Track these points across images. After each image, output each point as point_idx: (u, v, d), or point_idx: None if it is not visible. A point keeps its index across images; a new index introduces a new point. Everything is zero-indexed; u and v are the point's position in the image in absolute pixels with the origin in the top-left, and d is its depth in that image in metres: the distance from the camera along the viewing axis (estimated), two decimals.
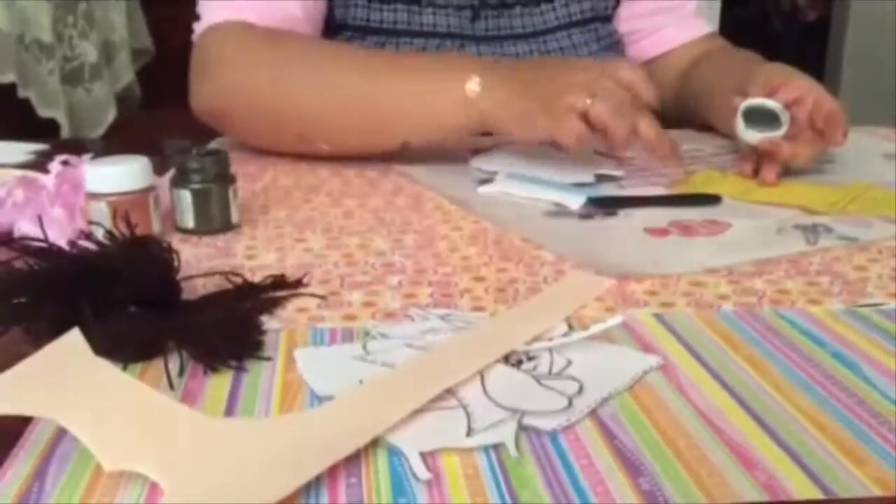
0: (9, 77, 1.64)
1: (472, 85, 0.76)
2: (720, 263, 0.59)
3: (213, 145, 0.87)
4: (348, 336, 0.48)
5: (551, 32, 1.00)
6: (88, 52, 1.78)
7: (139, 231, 0.53)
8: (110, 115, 1.83)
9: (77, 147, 0.74)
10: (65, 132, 1.71)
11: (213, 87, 0.86)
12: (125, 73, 1.91)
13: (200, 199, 0.65)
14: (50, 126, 1.69)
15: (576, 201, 0.72)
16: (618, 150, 0.76)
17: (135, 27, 1.96)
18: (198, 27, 0.90)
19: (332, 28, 0.95)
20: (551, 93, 0.73)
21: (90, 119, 1.80)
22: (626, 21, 1.07)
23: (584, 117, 0.72)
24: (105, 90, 1.82)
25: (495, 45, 0.97)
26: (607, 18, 1.05)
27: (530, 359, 0.45)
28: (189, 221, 0.65)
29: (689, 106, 1.02)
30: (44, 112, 1.69)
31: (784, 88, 0.79)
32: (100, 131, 1.81)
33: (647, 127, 0.73)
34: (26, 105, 1.68)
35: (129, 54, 1.91)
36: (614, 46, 1.05)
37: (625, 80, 0.74)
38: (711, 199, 0.74)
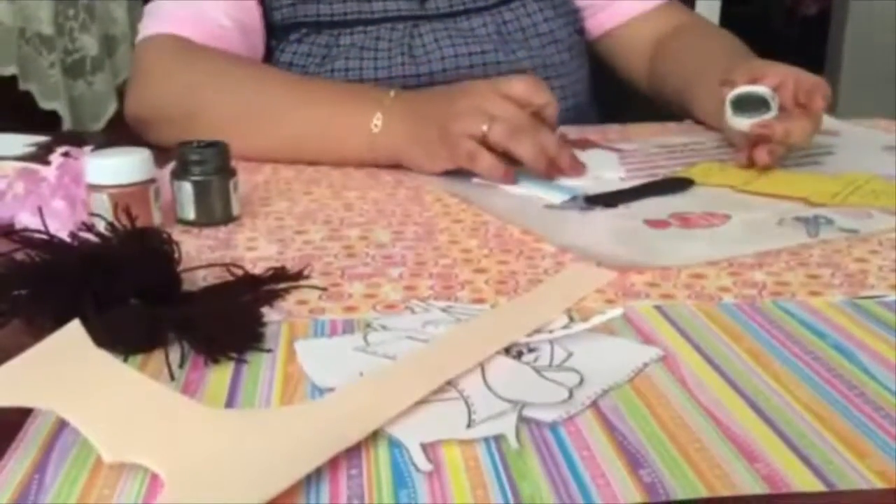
0: (10, 70, 1.64)
1: (376, 121, 0.78)
2: (720, 255, 0.59)
3: None
4: (349, 328, 0.48)
5: (506, 3, 0.99)
6: (89, 45, 1.78)
7: (140, 223, 0.53)
8: (111, 108, 1.83)
9: (78, 139, 0.74)
10: (66, 125, 1.71)
11: (133, 98, 0.91)
12: (126, 67, 1.91)
13: (201, 191, 0.65)
14: (51, 119, 1.69)
15: (558, 197, 0.71)
16: (533, 169, 0.74)
17: (136, 20, 1.95)
18: (138, 37, 0.94)
19: (284, 28, 0.96)
20: (446, 121, 0.74)
21: (91, 112, 1.80)
22: None
23: (484, 142, 0.72)
24: (106, 83, 1.82)
25: (448, 22, 0.96)
26: None
27: (531, 350, 0.45)
28: (190, 213, 0.65)
29: (667, 96, 1.02)
30: (45, 105, 1.70)
31: (767, 77, 0.79)
32: (101, 124, 1.81)
33: (548, 142, 0.74)
34: (28, 98, 1.68)
35: (130, 47, 1.91)
36: (572, 14, 1.05)
37: (519, 96, 0.73)
38: (683, 184, 0.75)
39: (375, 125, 0.78)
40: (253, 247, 0.61)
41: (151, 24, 0.92)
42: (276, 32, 0.97)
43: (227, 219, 0.66)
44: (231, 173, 0.66)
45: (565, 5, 1.04)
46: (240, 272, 0.54)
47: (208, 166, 0.65)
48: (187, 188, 0.65)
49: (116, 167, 0.61)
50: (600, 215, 0.68)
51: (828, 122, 1.04)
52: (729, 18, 2.77)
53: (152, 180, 0.63)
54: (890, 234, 0.63)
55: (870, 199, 0.71)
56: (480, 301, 0.52)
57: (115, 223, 0.52)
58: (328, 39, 0.94)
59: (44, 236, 0.50)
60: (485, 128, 0.72)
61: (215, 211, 0.66)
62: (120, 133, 1.00)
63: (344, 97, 0.83)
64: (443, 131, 0.74)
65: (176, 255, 0.50)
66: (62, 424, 0.38)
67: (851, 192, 0.73)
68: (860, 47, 3.21)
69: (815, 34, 3.53)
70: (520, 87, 0.74)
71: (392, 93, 0.80)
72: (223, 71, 0.88)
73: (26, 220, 0.61)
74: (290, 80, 0.88)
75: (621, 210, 0.69)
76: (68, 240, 0.50)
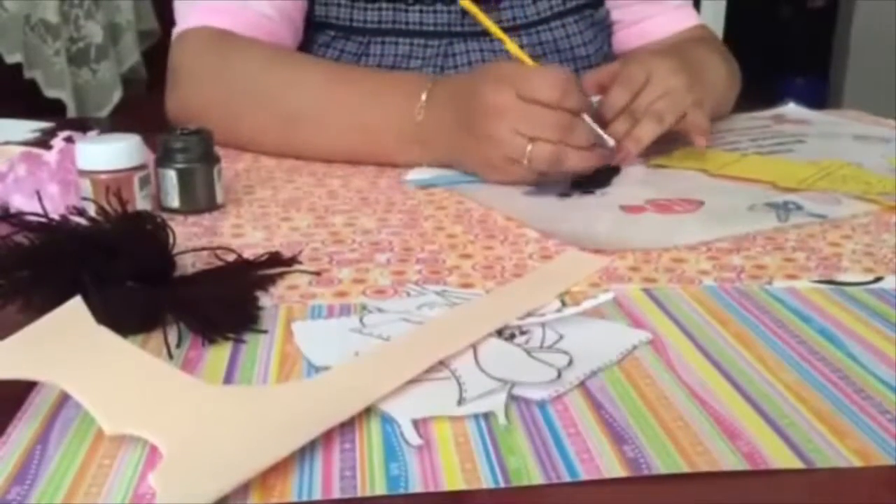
0: (15, 57, 1.65)
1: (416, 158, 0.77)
2: (698, 240, 0.60)
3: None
4: (346, 311, 0.49)
5: (545, 22, 0.99)
6: (94, 32, 1.79)
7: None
8: (116, 96, 1.84)
9: (82, 126, 0.74)
10: (70, 112, 1.72)
11: (171, 99, 0.90)
12: (131, 55, 1.92)
13: (185, 179, 0.65)
14: (56, 106, 1.70)
15: None
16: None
17: (140, 8, 1.96)
18: (174, 31, 0.91)
19: (314, 27, 0.94)
20: (486, 149, 0.71)
21: (96, 100, 1.81)
22: (611, 10, 1.06)
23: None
24: (111, 71, 1.83)
25: (484, 42, 0.95)
26: (599, 2, 1.04)
27: (523, 333, 0.46)
28: (174, 201, 0.66)
29: None
30: (50, 92, 1.71)
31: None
32: (105, 112, 1.82)
33: (583, 143, 0.70)
34: (33, 85, 1.69)
35: (134, 35, 1.92)
36: (607, 29, 1.05)
37: (549, 101, 0.69)
38: (611, 171, 0.76)
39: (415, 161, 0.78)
40: (239, 233, 0.62)
41: (188, 14, 0.89)
42: (305, 33, 0.95)
43: (212, 206, 0.67)
44: (215, 160, 0.67)
45: (602, 22, 1.04)
46: (233, 256, 0.55)
47: (192, 154, 0.65)
48: (171, 176, 0.65)
49: (99, 153, 0.61)
50: (578, 202, 0.70)
51: (799, 111, 1.06)
52: (736, 11, 2.77)
53: (138, 168, 0.63)
54: (861, 220, 0.65)
55: (837, 184, 0.72)
56: (468, 286, 0.53)
57: (106, 207, 0.52)
58: (357, 47, 0.93)
59: (41, 219, 0.51)
60: (529, 149, 0.69)
61: (199, 199, 0.66)
62: (126, 121, 1.01)
63: (387, 106, 0.79)
64: (485, 160, 0.72)
65: (170, 240, 0.51)
66: (65, 398, 0.39)
67: (821, 178, 0.74)
68: (867, 40, 3.20)
69: (822, 27, 3.53)
70: (548, 93, 0.69)
71: (421, 114, 0.76)
72: (260, 72, 0.84)
73: (19, 202, 0.61)
74: (331, 82, 0.82)
75: (598, 196, 0.71)
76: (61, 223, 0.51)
